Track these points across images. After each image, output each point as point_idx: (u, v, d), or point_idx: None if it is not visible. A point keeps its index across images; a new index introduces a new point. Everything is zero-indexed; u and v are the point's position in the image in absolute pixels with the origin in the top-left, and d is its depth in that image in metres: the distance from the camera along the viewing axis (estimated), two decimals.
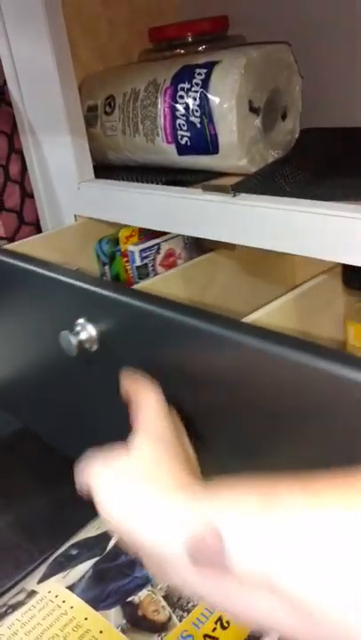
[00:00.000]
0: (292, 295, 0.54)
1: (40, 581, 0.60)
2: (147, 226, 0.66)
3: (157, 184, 0.66)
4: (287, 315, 0.53)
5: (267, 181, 0.59)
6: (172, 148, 0.68)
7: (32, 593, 0.58)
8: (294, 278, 0.74)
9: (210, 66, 0.64)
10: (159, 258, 0.71)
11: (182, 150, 0.67)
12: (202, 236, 0.60)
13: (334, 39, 0.75)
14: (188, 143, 0.66)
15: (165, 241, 0.71)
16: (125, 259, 0.71)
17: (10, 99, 0.76)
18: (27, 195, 0.81)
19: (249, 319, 0.49)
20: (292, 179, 0.60)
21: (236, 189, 0.56)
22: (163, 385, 0.42)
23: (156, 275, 0.70)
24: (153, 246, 0.70)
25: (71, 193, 0.74)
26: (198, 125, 0.64)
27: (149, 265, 0.70)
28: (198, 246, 0.73)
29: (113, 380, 0.45)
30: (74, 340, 0.48)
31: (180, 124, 0.66)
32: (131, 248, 0.70)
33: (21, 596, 0.58)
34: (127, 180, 0.70)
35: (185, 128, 0.66)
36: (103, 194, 0.70)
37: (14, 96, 0.75)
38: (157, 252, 0.71)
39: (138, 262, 0.70)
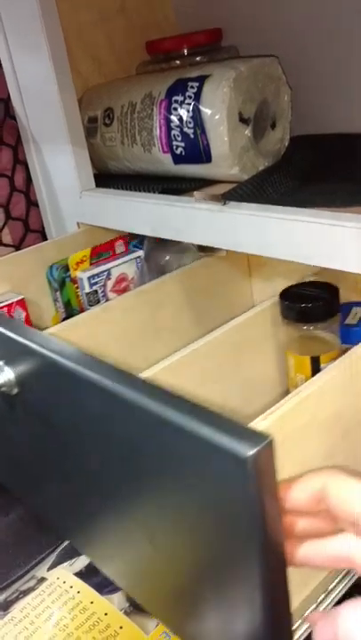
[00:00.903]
0: (232, 325, 0.56)
1: (49, 569, 0.64)
2: (144, 232, 0.70)
3: (154, 192, 0.69)
4: (226, 345, 0.55)
5: (256, 189, 0.62)
6: (168, 157, 0.71)
7: (42, 579, 0.62)
8: (252, 301, 0.76)
9: (201, 79, 0.67)
10: (110, 283, 0.72)
11: (178, 160, 0.71)
12: (195, 242, 0.64)
13: (324, 47, 0.78)
14: (183, 153, 0.70)
15: (117, 266, 0.72)
16: (76, 285, 0.72)
17: (14, 112, 0.80)
18: (31, 204, 0.84)
19: (190, 349, 0.52)
20: (279, 186, 0.63)
21: (227, 198, 0.59)
22: (72, 434, 0.42)
23: (107, 301, 0.72)
24: (103, 272, 0.71)
25: (73, 201, 0.77)
26: (192, 136, 0.68)
27: (100, 291, 0.71)
28: (154, 269, 0.74)
29: (37, 424, 0.46)
30: None
31: (174, 135, 0.69)
32: (79, 275, 0.70)
33: (32, 583, 0.62)
34: (126, 188, 0.73)
35: (179, 139, 0.69)
36: (103, 202, 0.73)
37: (18, 110, 0.79)
38: (108, 277, 0.72)
39: (87, 289, 0.70)
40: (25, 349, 0.43)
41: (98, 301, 0.72)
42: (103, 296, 0.72)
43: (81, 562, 0.63)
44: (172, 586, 0.42)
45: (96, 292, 0.71)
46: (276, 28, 0.80)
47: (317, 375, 0.41)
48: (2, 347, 0.47)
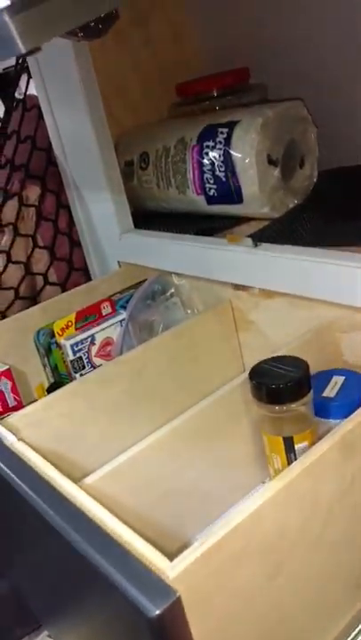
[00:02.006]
0: (204, 404, 0.55)
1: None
2: (181, 271, 0.74)
3: (189, 234, 0.73)
4: (199, 426, 0.54)
5: (285, 229, 0.65)
6: (202, 198, 0.75)
7: None
8: (241, 359, 0.75)
9: (231, 125, 0.70)
10: (94, 349, 0.71)
11: (211, 200, 0.74)
12: (229, 281, 0.67)
13: (354, 79, 0.80)
14: (216, 194, 0.73)
15: (100, 331, 0.72)
16: (62, 350, 0.71)
17: (56, 160, 0.85)
18: (75, 244, 0.89)
19: (161, 432, 0.52)
20: (309, 224, 0.66)
21: (257, 240, 0.63)
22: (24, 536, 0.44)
23: (92, 366, 0.72)
24: (87, 338, 0.71)
25: (114, 242, 0.82)
26: (223, 179, 0.71)
27: (84, 357, 0.71)
28: (141, 328, 0.73)
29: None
30: None
31: (207, 178, 0.73)
32: (63, 342, 0.70)
33: None
34: (163, 229, 0.77)
35: (212, 181, 0.73)
36: (142, 243, 0.78)
37: (59, 158, 0.84)
38: (92, 342, 0.71)
39: (71, 356, 0.70)
40: None
41: (83, 367, 0.71)
42: (88, 362, 0.72)
43: None
44: None
45: (81, 358, 0.70)
46: (303, 64, 0.83)
47: (254, 497, 0.38)
48: None
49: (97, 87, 0.75)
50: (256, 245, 0.62)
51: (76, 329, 0.72)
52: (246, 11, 0.87)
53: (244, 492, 0.59)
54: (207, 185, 0.73)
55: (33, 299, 0.88)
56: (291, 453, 0.52)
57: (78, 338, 0.71)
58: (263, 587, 0.38)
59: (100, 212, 0.81)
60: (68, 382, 0.68)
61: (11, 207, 0.84)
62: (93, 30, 0.65)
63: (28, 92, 0.87)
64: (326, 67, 0.81)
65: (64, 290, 0.88)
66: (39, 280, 0.89)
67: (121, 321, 0.74)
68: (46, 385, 0.76)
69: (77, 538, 0.32)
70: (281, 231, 0.65)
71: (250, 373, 0.51)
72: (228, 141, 0.70)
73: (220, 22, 0.92)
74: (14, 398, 0.71)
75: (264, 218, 0.72)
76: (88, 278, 0.91)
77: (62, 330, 0.72)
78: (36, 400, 0.64)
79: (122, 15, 0.54)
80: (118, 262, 0.83)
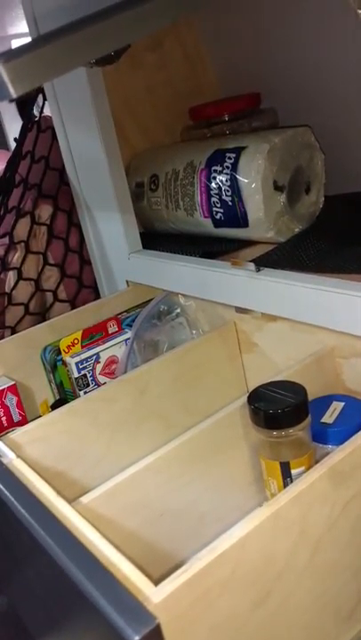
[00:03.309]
0: (203, 427, 0.55)
1: None
2: (186, 292, 0.75)
3: (195, 255, 0.74)
4: (198, 449, 0.55)
5: (289, 254, 0.66)
6: (209, 221, 0.76)
7: None
8: (245, 381, 0.75)
9: (238, 151, 0.72)
10: (99, 367, 0.72)
11: (217, 224, 0.76)
12: (232, 304, 0.68)
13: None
14: (222, 218, 0.75)
15: (105, 349, 0.73)
16: (67, 368, 0.73)
17: (68, 180, 0.87)
18: (85, 262, 0.91)
19: (158, 454, 0.52)
20: (312, 250, 0.67)
21: (260, 264, 0.64)
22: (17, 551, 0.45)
23: (96, 384, 0.73)
24: (91, 356, 0.72)
25: (122, 262, 0.83)
26: (230, 203, 0.73)
27: (89, 375, 0.72)
28: (146, 347, 0.74)
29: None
30: None
31: (214, 202, 0.74)
32: (68, 360, 0.71)
33: None
34: (170, 250, 0.78)
35: (219, 205, 0.74)
36: (149, 264, 0.79)
37: (71, 178, 0.86)
38: (97, 361, 0.72)
39: (75, 374, 0.71)
40: None
41: (87, 385, 0.73)
42: (92, 380, 0.73)
43: None
44: None
45: (85, 375, 0.72)
46: (314, 89, 0.84)
47: (238, 525, 0.38)
48: None
49: (109, 110, 0.76)
50: (258, 270, 0.63)
51: (82, 346, 0.74)
52: (259, 36, 0.88)
53: (242, 514, 0.60)
54: (214, 208, 0.75)
55: (42, 315, 0.90)
56: (287, 478, 0.53)
57: (83, 356, 0.72)
58: (249, 615, 0.39)
59: (110, 231, 0.83)
60: (72, 399, 0.70)
61: (23, 225, 0.86)
62: (106, 58, 0.67)
63: (43, 113, 0.89)
64: (338, 92, 0.82)
65: (73, 307, 0.90)
66: (49, 297, 0.90)
67: (126, 340, 0.75)
68: (51, 401, 0.78)
69: (64, 559, 0.33)
70: (284, 256, 0.66)
71: (248, 398, 0.52)
72: (234, 166, 0.72)
73: (233, 47, 0.94)
74: (19, 414, 0.72)
75: (269, 242, 0.73)
76: (98, 296, 0.92)
77: (68, 347, 0.73)
78: (39, 416, 0.65)
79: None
80: (127, 281, 0.85)
